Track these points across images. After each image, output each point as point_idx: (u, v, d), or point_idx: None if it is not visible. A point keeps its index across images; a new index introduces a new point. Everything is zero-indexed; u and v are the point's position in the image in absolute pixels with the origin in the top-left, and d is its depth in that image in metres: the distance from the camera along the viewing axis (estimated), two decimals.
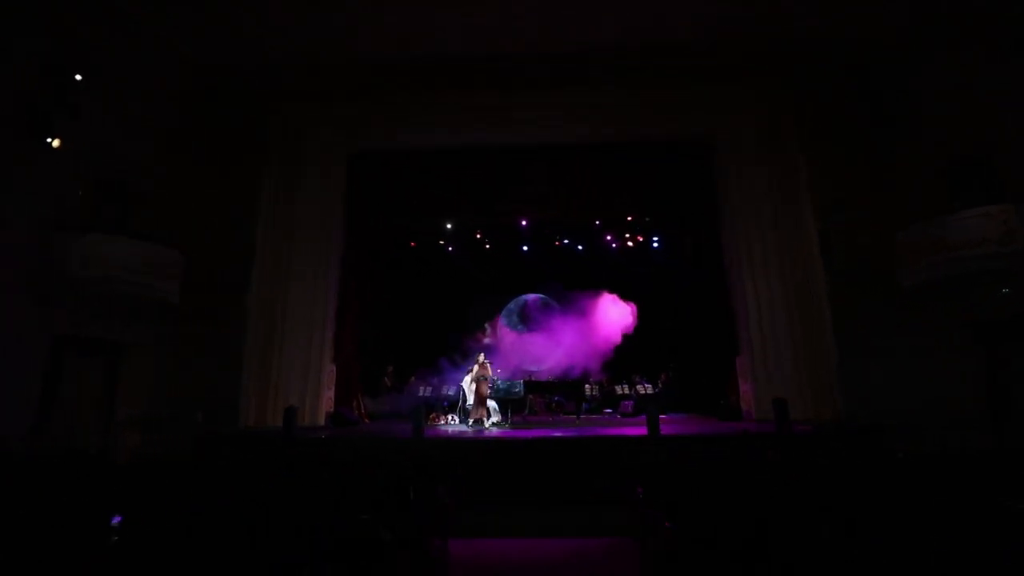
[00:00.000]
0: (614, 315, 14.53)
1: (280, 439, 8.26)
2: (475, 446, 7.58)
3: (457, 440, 7.84)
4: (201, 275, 11.06)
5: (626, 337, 14.26)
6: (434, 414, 11.71)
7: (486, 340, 15.50)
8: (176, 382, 10.75)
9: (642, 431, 8.65)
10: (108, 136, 9.99)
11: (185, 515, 3.52)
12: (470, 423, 10.40)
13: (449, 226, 15.02)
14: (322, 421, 11.05)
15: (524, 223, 15.03)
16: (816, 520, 4.41)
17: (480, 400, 10.50)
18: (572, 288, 15.26)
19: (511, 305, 16.44)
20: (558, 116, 11.79)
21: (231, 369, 10.67)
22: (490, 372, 10.86)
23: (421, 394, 13.50)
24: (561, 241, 16.41)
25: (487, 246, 16.30)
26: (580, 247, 16.59)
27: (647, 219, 14.58)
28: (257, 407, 10.58)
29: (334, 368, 11.67)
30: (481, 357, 11.05)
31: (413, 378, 14.20)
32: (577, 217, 12.37)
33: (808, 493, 4.70)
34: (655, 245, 15.65)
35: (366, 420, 12.02)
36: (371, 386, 13.41)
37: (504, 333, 15.99)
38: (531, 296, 16.52)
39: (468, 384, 10.85)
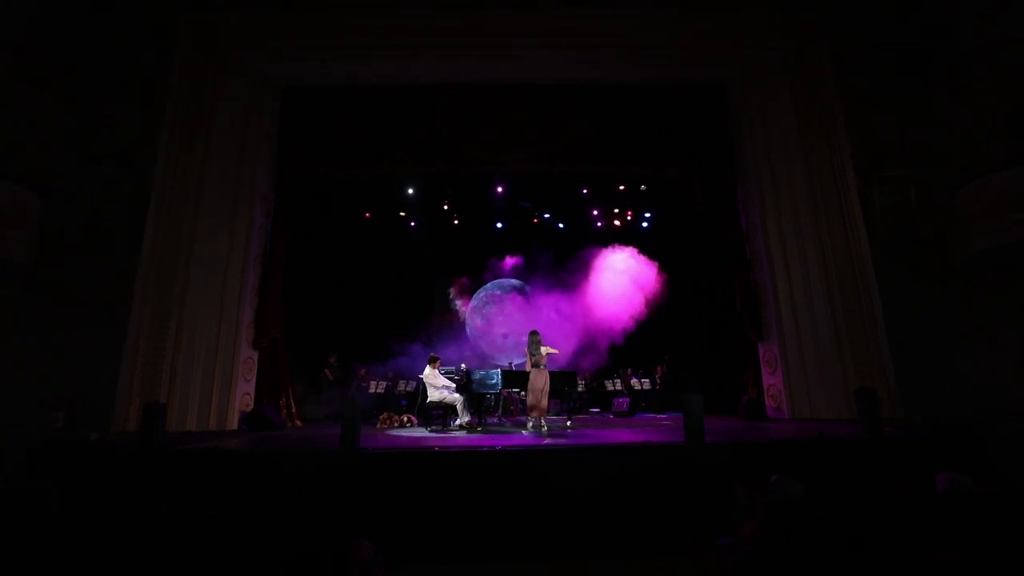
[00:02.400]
0: (626, 278, 12.02)
1: (151, 450, 5.40)
2: (434, 463, 4.94)
3: (408, 453, 5.20)
4: (71, 228, 8.05)
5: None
6: (385, 415, 8.96)
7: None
8: (27, 372, 7.69)
9: (660, 436, 6.20)
10: None
11: None
12: (537, 428, 7.15)
13: (411, 191, 12.41)
14: (234, 424, 8.18)
15: (500, 189, 12.57)
16: None
17: (538, 395, 7.25)
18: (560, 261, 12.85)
19: (489, 285, 13.89)
20: (541, 46, 9.26)
21: (107, 355, 7.69)
22: (545, 357, 7.54)
23: (373, 390, 10.83)
24: (541, 217, 13.99)
25: (455, 221, 13.75)
26: (562, 225, 14.24)
27: (643, 187, 12.31)
28: (142, 406, 7.60)
29: (255, 355, 8.81)
30: (539, 335, 7.68)
31: (363, 371, 11.45)
32: (562, 168, 9.82)
33: None
34: (645, 225, 13.42)
35: (297, 423, 9.18)
36: (309, 380, 10.57)
37: (476, 313, 13.43)
38: (508, 280, 13.99)
39: (432, 376, 8.14)
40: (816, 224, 8.77)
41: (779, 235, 8.90)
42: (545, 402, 7.29)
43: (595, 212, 13.49)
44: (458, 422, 7.99)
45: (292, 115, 9.66)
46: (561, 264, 12.82)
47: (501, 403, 11.89)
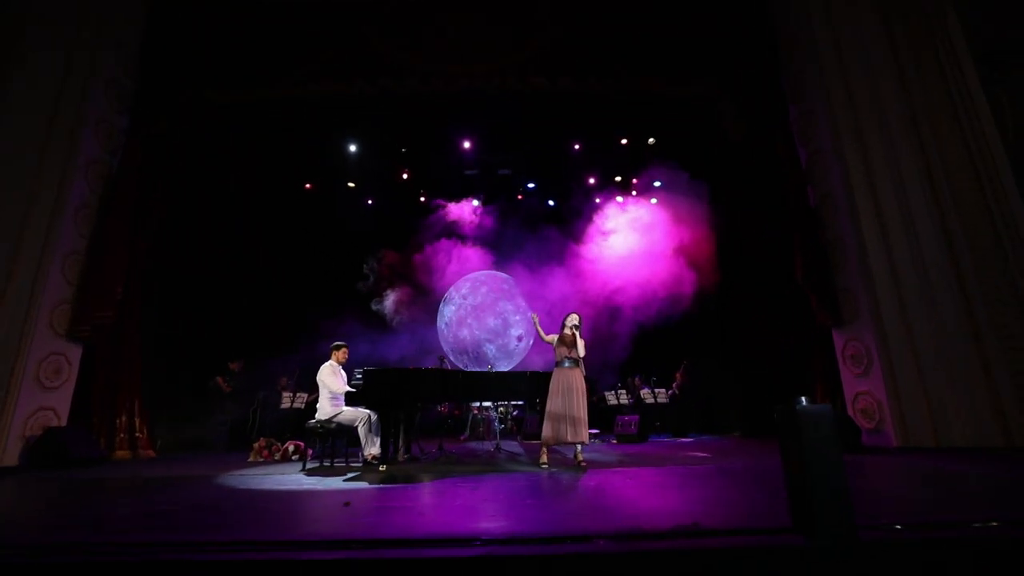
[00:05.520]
0: (632, 257, 8.81)
1: None
2: None
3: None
4: None
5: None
6: (262, 442, 5.63)
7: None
8: None
9: (713, 500, 2.88)
10: None
11: None
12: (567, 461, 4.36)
13: (353, 148, 9.36)
14: (14, 456, 4.96)
15: (468, 144, 9.47)
16: None
17: (569, 412, 4.47)
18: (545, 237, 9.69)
19: (482, 276, 10.69)
20: None
21: None
22: (582, 348, 4.73)
23: (287, 405, 7.61)
24: (524, 188, 10.89)
25: (422, 198, 10.71)
26: (552, 202, 11.14)
27: (651, 140, 9.16)
28: None
29: (72, 351, 5.60)
30: (575, 319, 4.81)
31: (284, 379, 8.22)
32: (538, 83, 6.55)
33: None
34: (654, 201, 10.21)
35: (145, 453, 5.92)
36: (195, 391, 7.35)
37: (487, 311, 10.21)
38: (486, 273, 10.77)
39: (330, 376, 4.90)
40: (922, 150, 5.53)
41: (864, 168, 5.65)
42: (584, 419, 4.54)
43: (592, 180, 10.36)
44: (364, 454, 4.73)
45: (165, 19, 6.67)
46: (544, 240, 9.64)
47: (468, 423, 8.67)
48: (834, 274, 5.82)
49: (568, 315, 4.87)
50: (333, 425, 4.65)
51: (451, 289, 10.83)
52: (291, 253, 9.41)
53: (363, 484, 3.51)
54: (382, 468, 4.18)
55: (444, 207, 10.06)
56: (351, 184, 10.20)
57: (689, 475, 3.63)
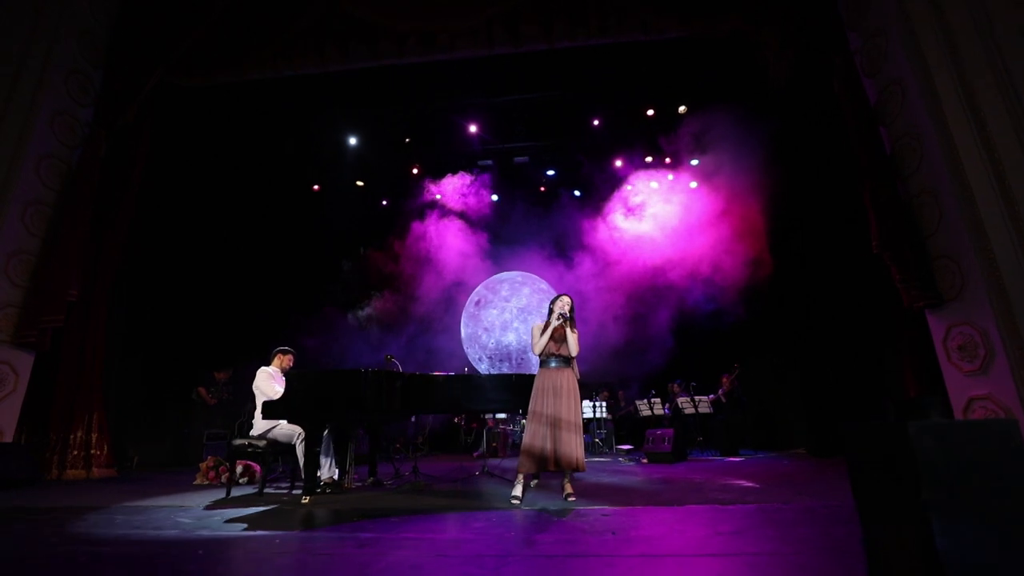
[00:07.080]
0: (667, 242, 7.60)
1: None
2: None
3: None
4: None
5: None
6: (210, 460, 4.81)
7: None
8: None
9: None
10: None
11: None
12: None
13: (353, 140, 8.68)
14: None
15: (473, 128, 8.54)
16: None
17: (557, 418, 3.28)
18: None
19: (520, 278, 9.70)
20: None
21: None
22: (574, 344, 3.44)
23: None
24: (543, 176, 9.80)
25: (437, 196, 9.86)
26: (578, 192, 9.98)
27: (681, 108, 7.84)
28: None
29: (20, 359, 5.03)
30: (566, 303, 3.51)
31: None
32: (533, 33, 5.41)
33: None
34: (695, 183, 8.80)
35: (102, 471, 5.24)
36: (174, 403, 6.72)
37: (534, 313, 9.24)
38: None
39: (266, 383, 4.02)
40: None
41: (961, 93, 4.13)
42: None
43: (619, 162, 9.10)
44: (324, 477, 3.77)
45: (134, 7, 6.20)
46: (562, 222, 8.52)
47: (484, 437, 7.61)
48: (925, 237, 4.30)
49: (557, 298, 3.60)
50: (263, 443, 3.72)
51: (480, 289, 9.80)
52: (293, 253, 8.76)
53: (238, 529, 2.50)
54: (305, 500, 3.18)
55: (450, 194, 9.16)
56: (360, 183, 9.56)
57: (713, 527, 2.35)
